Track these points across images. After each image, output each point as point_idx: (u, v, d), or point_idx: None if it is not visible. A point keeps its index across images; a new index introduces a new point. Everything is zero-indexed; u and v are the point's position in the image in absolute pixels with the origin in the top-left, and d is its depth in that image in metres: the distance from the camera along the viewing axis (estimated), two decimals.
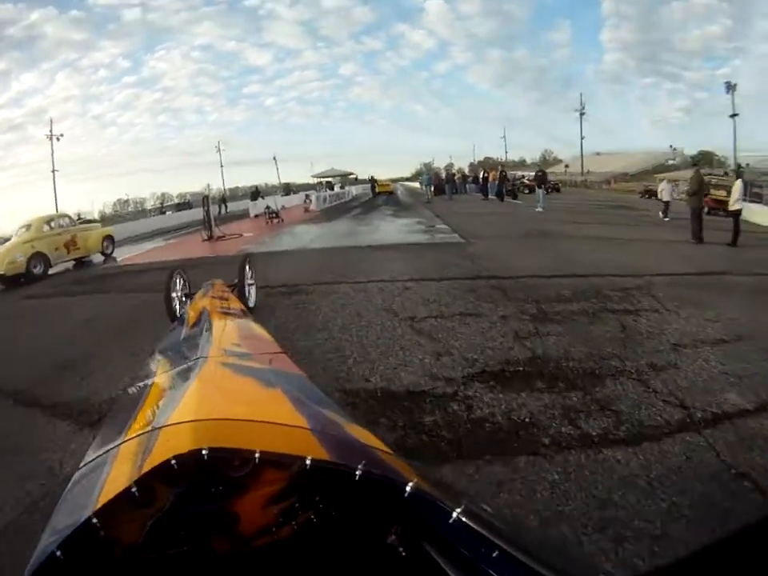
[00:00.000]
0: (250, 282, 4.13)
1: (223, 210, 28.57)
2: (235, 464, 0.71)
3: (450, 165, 74.87)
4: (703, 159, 44.74)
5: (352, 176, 42.50)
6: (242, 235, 12.20)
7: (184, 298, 3.86)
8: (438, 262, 6.44)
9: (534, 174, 29.77)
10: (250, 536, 0.73)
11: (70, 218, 12.30)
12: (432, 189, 21.26)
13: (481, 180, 24.28)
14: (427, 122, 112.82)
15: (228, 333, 1.67)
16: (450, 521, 0.59)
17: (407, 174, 79.05)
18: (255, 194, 30.26)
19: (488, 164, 43.30)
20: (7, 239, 11.10)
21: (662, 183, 15.17)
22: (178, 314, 3.41)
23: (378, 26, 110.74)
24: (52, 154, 35.16)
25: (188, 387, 1.00)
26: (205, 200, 13.49)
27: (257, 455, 0.67)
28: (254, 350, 1.39)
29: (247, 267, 4.10)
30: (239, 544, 0.72)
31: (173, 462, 0.64)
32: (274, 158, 47.93)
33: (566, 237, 8.87)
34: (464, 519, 0.58)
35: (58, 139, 34.99)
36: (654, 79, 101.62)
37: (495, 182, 24.56)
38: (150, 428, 0.83)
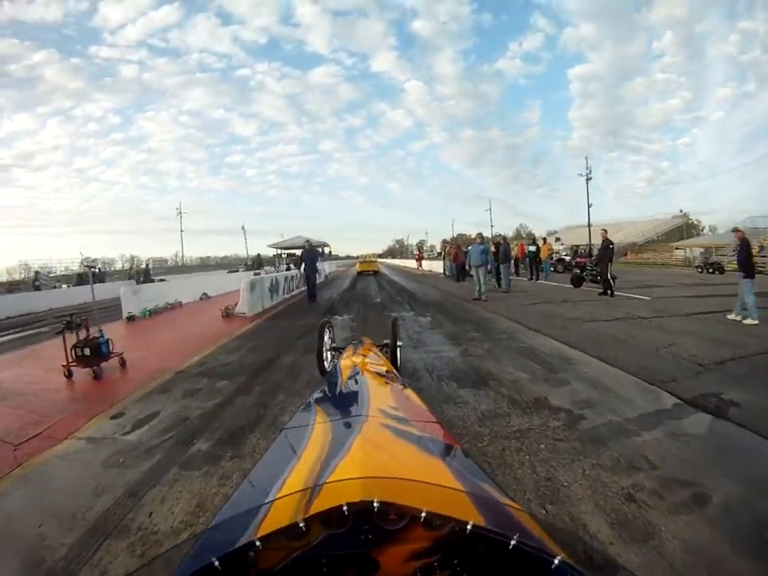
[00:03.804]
0: (399, 343, 4.06)
1: None
2: (391, 518, 0.75)
3: (422, 242, 76.81)
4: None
5: (326, 248, 28.54)
6: None
7: (333, 352, 3.94)
8: None
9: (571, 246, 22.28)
10: None
11: None
12: (485, 272, 12.05)
13: (525, 257, 17.96)
14: (401, 199, 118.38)
15: (383, 394, 1.75)
16: None
17: (378, 251, 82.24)
18: (146, 273, 20.48)
19: (462, 241, 43.15)
20: None
21: None
22: (327, 368, 3.62)
23: (359, 104, 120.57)
24: None
25: (352, 442, 1.08)
26: None
27: (423, 514, 0.71)
28: (409, 416, 1.42)
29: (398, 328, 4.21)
30: None
31: (344, 507, 0.70)
32: (243, 228, 44.04)
33: None
34: None
35: None
36: (618, 153, 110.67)
37: (548, 260, 17.55)
38: (317, 479, 0.88)
